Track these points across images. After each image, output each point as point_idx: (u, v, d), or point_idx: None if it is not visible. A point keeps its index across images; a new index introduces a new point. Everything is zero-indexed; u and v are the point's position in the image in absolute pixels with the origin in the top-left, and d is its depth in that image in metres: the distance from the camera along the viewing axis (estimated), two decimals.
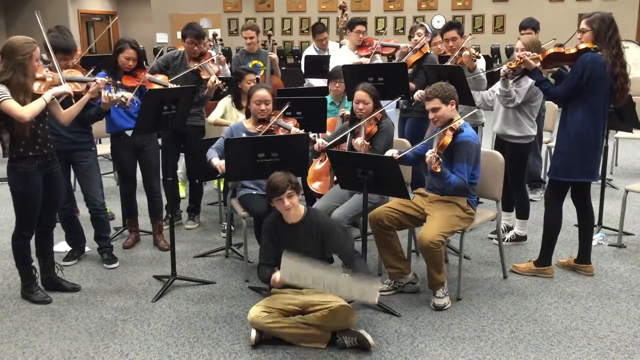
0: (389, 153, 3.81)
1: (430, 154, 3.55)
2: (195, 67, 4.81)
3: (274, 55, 6.20)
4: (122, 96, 3.94)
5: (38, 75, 3.60)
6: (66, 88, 3.57)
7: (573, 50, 3.78)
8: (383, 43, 5.68)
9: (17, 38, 3.51)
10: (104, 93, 3.86)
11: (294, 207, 3.33)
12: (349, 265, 3.41)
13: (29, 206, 3.66)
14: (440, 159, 3.58)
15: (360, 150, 3.91)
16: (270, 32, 7.28)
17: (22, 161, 3.56)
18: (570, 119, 3.85)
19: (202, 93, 4.77)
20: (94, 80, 3.83)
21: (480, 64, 4.96)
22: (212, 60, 4.93)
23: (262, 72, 6.09)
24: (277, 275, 3.22)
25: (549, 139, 6.35)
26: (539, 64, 3.90)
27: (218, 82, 4.67)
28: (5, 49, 3.47)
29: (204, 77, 4.80)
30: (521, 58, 3.88)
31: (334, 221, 3.62)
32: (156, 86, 4.33)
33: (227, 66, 5.71)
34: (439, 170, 3.56)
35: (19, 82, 3.43)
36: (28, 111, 3.38)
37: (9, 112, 3.36)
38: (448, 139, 3.67)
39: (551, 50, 3.85)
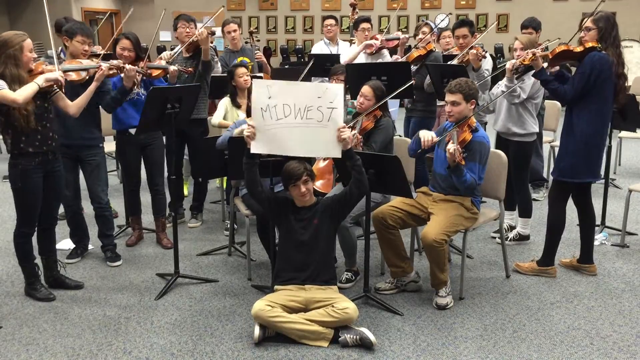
0: (428, 135, 3.73)
1: (453, 148, 3.48)
2: (185, 46, 4.84)
3: (259, 53, 6.09)
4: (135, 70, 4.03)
5: (38, 68, 3.62)
6: (57, 74, 3.55)
7: (580, 49, 3.78)
8: (387, 37, 5.70)
9: (7, 32, 3.56)
10: (127, 67, 3.95)
11: (309, 193, 3.44)
12: (350, 190, 3.43)
13: (29, 203, 3.67)
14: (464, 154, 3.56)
15: (352, 143, 3.86)
16: (255, 29, 7.16)
17: (22, 158, 3.58)
18: (576, 120, 3.84)
19: (201, 59, 4.79)
20: (98, 67, 3.86)
21: (487, 64, 4.96)
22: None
23: (249, 68, 6.06)
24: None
25: (552, 139, 6.34)
26: (545, 63, 3.89)
27: (203, 30, 4.68)
28: None
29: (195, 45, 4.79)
30: (534, 54, 3.84)
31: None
32: (156, 72, 4.42)
33: (218, 65, 5.68)
34: (463, 162, 3.54)
35: (12, 73, 3.46)
36: (20, 94, 3.39)
37: (4, 100, 3.38)
38: (469, 136, 3.65)
39: (561, 48, 3.83)
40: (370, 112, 4.05)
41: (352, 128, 4.06)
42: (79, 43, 4.07)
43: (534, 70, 3.93)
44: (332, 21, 6.44)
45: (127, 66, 3.97)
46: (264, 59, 6.14)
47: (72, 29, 4.12)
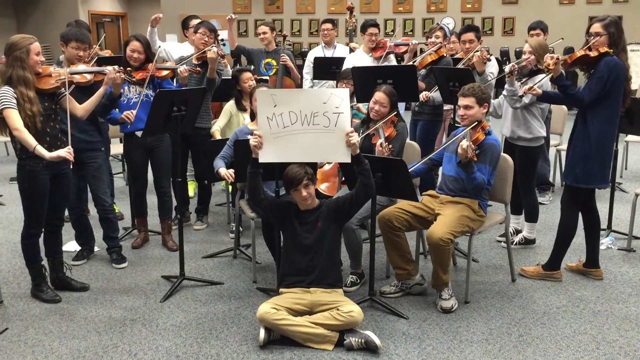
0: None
1: (466, 144, 3.51)
2: (197, 55, 4.84)
3: (285, 56, 6.03)
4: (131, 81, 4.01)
5: (46, 71, 3.67)
6: (64, 154, 3.48)
7: (595, 54, 3.77)
8: (396, 42, 5.69)
9: (16, 35, 3.63)
10: (107, 69, 3.93)
11: (310, 197, 3.44)
12: (357, 193, 3.42)
13: (36, 204, 3.69)
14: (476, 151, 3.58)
15: (383, 153, 3.88)
16: (285, 33, 7.25)
17: (30, 159, 3.60)
18: (591, 125, 3.82)
19: (206, 76, 4.79)
20: (103, 71, 3.89)
21: (492, 68, 4.96)
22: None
23: (274, 70, 6.07)
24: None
25: (558, 142, 6.32)
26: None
27: (215, 49, 4.66)
28: (6, 48, 3.57)
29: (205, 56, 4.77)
30: (552, 58, 3.76)
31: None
32: (165, 72, 4.46)
33: (228, 68, 5.69)
34: (476, 159, 3.56)
35: (19, 75, 3.52)
36: (20, 132, 3.44)
37: (6, 120, 3.45)
38: (481, 136, 3.70)
39: (580, 53, 3.81)
40: (389, 119, 4.04)
41: (374, 137, 4.04)
42: (73, 49, 4.15)
43: (538, 75, 3.91)
44: (329, 25, 6.48)
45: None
46: (290, 64, 6.04)
47: (67, 35, 4.20)
